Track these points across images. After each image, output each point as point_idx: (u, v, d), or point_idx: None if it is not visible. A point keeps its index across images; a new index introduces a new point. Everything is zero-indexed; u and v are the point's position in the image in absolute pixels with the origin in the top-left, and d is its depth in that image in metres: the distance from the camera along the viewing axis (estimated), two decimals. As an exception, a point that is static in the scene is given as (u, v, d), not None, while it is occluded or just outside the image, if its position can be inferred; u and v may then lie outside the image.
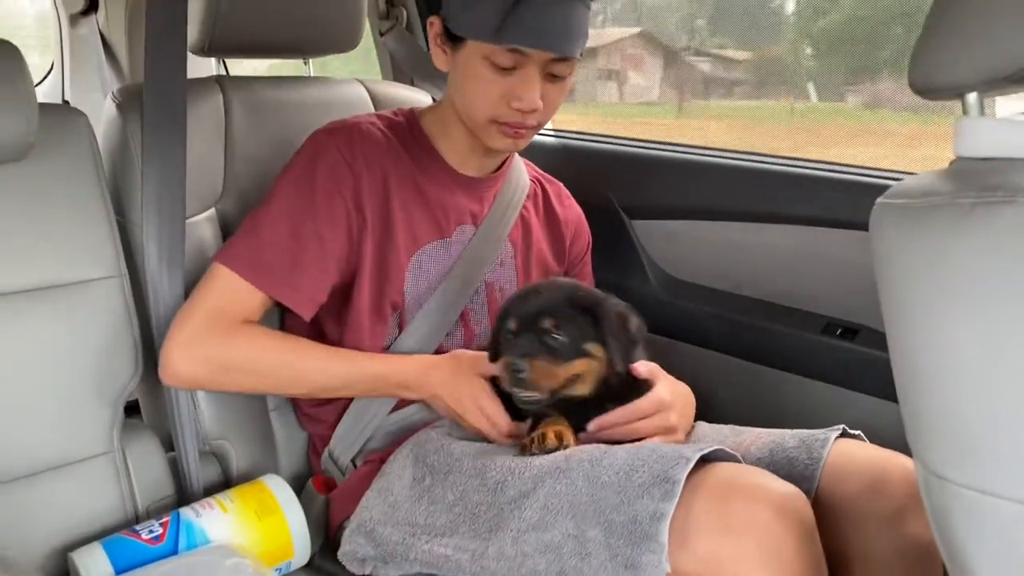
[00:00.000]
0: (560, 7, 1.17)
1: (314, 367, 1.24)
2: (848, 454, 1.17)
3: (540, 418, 1.17)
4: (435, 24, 1.26)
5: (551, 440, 1.12)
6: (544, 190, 1.48)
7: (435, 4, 1.33)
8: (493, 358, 1.20)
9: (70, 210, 1.22)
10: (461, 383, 1.22)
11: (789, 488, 1.00)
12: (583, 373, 1.14)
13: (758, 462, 1.18)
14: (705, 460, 1.01)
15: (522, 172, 1.44)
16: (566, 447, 1.12)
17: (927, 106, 1.68)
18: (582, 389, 1.15)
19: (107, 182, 1.28)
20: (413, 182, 1.30)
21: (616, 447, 1.07)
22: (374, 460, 1.30)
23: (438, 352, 1.32)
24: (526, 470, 1.08)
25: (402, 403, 1.33)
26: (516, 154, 1.43)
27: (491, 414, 1.21)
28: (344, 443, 1.33)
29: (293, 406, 1.43)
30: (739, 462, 1.06)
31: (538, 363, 1.10)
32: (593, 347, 1.13)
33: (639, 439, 1.16)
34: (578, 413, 1.17)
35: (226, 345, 1.20)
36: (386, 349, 1.31)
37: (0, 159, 1.16)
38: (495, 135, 1.26)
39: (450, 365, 1.25)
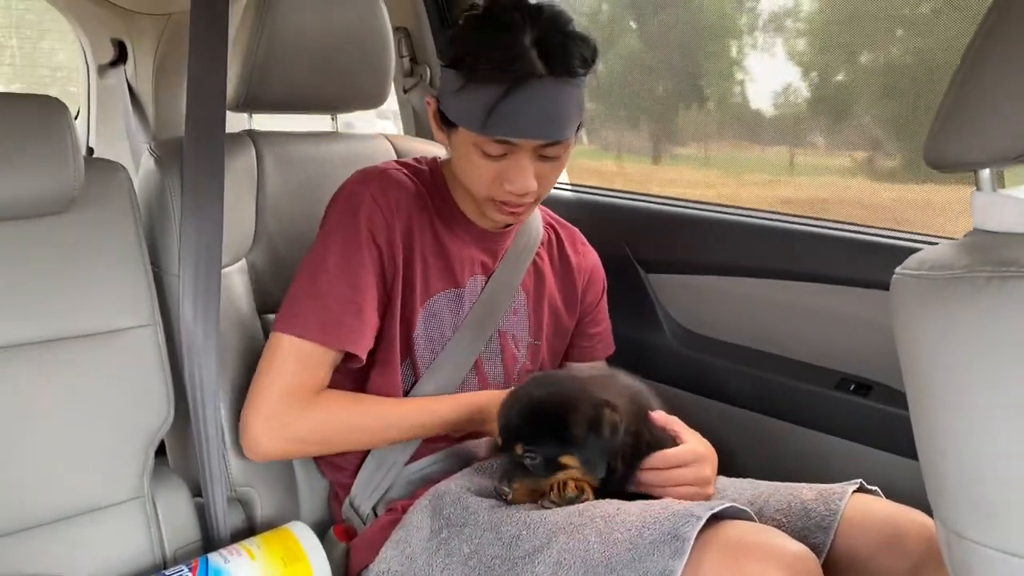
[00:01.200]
0: (547, 95, 1.16)
1: (394, 424, 1.28)
2: (865, 509, 1.18)
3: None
4: (432, 104, 1.28)
5: (572, 490, 1.13)
6: (559, 236, 1.49)
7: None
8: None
9: (109, 260, 1.26)
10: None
11: (801, 548, 1.00)
12: (569, 481, 1.14)
13: (776, 513, 1.20)
14: (718, 517, 1.02)
15: (536, 220, 1.45)
16: (584, 500, 1.13)
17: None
18: (592, 480, 1.15)
19: (144, 233, 1.32)
20: (433, 230, 1.32)
21: (630, 504, 1.08)
22: (395, 509, 1.31)
23: None
24: (540, 525, 1.09)
25: (422, 453, 1.35)
26: None
27: None
28: (365, 492, 1.35)
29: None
30: (752, 519, 1.06)
31: (517, 485, 1.15)
32: (568, 459, 1.14)
33: (675, 486, 1.17)
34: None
35: (309, 420, 1.24)
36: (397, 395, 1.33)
37: (44, 211, 1.20)
38: (494, 212, 1.28)
39: (495, 393, 1.29)
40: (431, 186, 1.35)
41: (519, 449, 1.14)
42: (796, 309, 1.51)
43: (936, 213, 1.59)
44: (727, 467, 1.32)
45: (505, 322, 1.39)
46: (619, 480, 1.17)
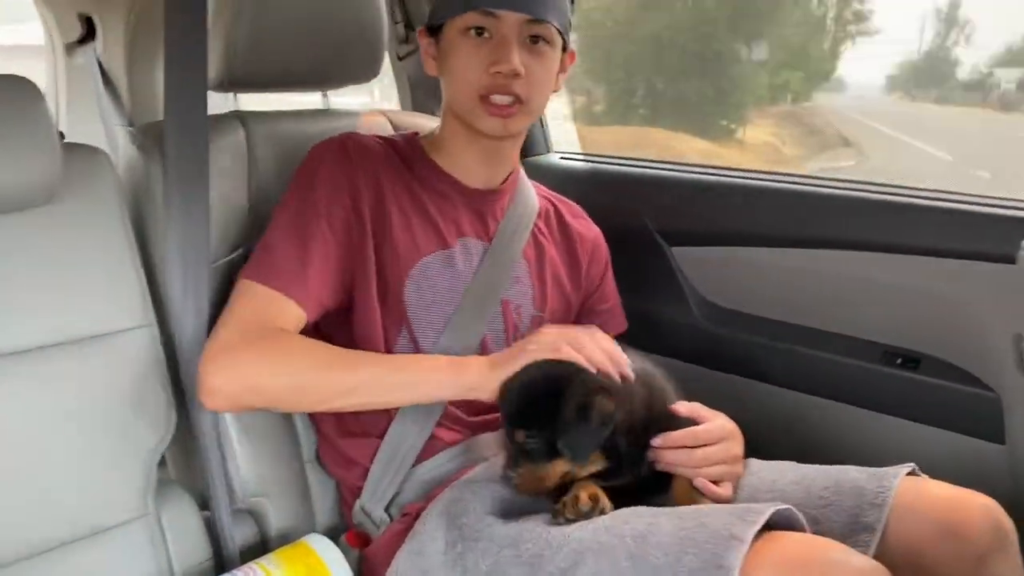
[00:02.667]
0: None
1: (363, 364, 1.19)
2: (921, 491, 1.11)
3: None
4: (422, 33, 1.32)
5: (584, 502, 1.05)
6: (556, 209, 1.45)
7: None
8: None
9: (96, 255, 1.16)
10: (548, 333, 1.16)
11: (868, 563, 0.92)
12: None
13: (824, 491, 1.13)
14: (766, 527, 0.93)
15: (530, 192, 1.41)
16: (602, 511, 1.05)
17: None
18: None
19: (131, 225, 1.22)
20: (410, 191, 1.29)
21: (660, 518, 1.00)
22: (409, 514, 1.24)
23: None
24: (564, 543, 1.01)
25: (432, 450, 1.28)
26: (523, 173, 1.41)
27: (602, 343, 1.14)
28: (375, 493, 1.27)
29: (318, 449, 1.37)
30: (804, 528, 0.98)
31: (522, 471, 1.08)
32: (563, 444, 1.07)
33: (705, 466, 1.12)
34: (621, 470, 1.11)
35: (263, 349, 1.15)
36: None
37: (22, 204, 1.09)
38: (483, 115, 1.25)
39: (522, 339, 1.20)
40: (406, 153, 1.33)
41: (520, 435, 1.08)
42: (834, 279, 1.43)
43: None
44: (764, 450, 1.26)
45: (508, 291, 1.34)
46: (627, 471, 1.11)
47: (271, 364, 1.15)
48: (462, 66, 1.25)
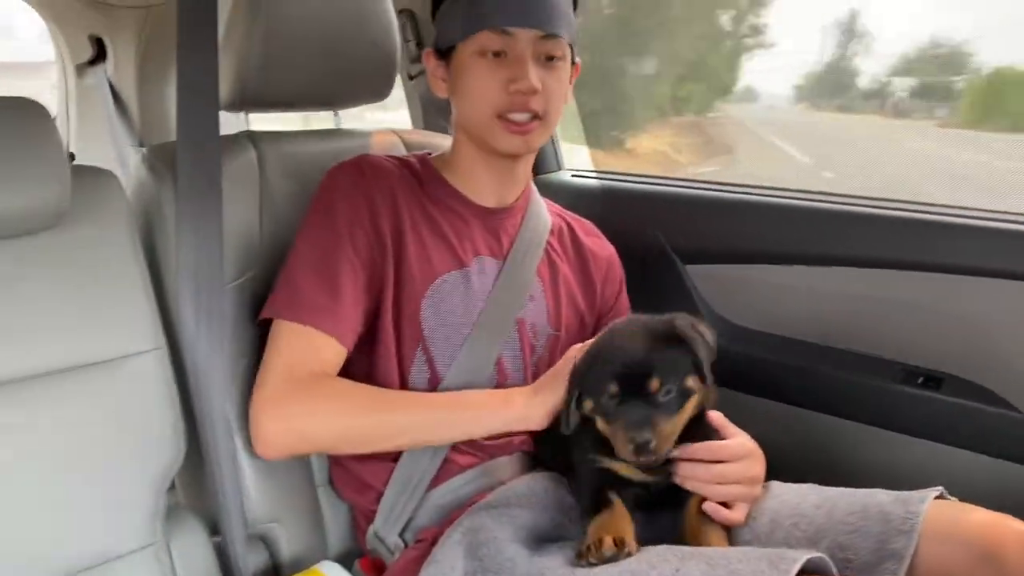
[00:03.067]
0: None
1: (413, 406, 1.20)
2: (952, 516, 1.07)
3: (598, 505, 1.08)
4: (429, 55, 1.31)
5: (608, 547, 1.01)
6: (570, 227, 1.44)
7: None
8: (568, 424, 1.11)
9: (106, 279, 1.15)
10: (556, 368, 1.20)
11: None
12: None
13: (849, 516, 1.10)
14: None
15: (542, 209, 1.40)
16: (628, 554, 1.01)
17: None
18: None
19: (142, 247, 1.21)
20: (424, 211, 1.29)
21: (689, 562, 0.97)
22: (424, 540, 1.22)
23: None
24: None
25: (448, 473, 1.25)
26: (535, 190, 1.40)
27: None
28: (389, 518, 1.25)
29: (330, 474, 1.35)
30: (831, 573, 0.94)
31: (660, 428, 1.02)
32: (691, 380, 1.05)
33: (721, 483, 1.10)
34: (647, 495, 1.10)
35: (313, 396, 1.17)
36: (416, 389, 1.25)
37: (32, 228, 1.08)
38: (501, 134, 1.25)
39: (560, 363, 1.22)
40: (420, 173, 1.33)
41: (655, 384, 1.03)
42: (852, 297, 1.41)
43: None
44: (784, 471, 1.23)
45: (522, 310, 1.32)
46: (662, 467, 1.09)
47: (322, 414, 1.17)
48: (479, 86, 1.24)
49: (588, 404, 1.09)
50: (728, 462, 1.10)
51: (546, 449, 1.27)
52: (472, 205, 1.32)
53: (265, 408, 1.16)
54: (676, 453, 1.09)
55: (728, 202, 1.59)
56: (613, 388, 1.05)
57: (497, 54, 1.22)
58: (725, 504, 1.12)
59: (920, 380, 1.34)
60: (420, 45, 1.79)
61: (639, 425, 1.01)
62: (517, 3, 1.20)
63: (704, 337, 1.08)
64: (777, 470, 1.22)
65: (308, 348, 1.18)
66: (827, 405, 1.43)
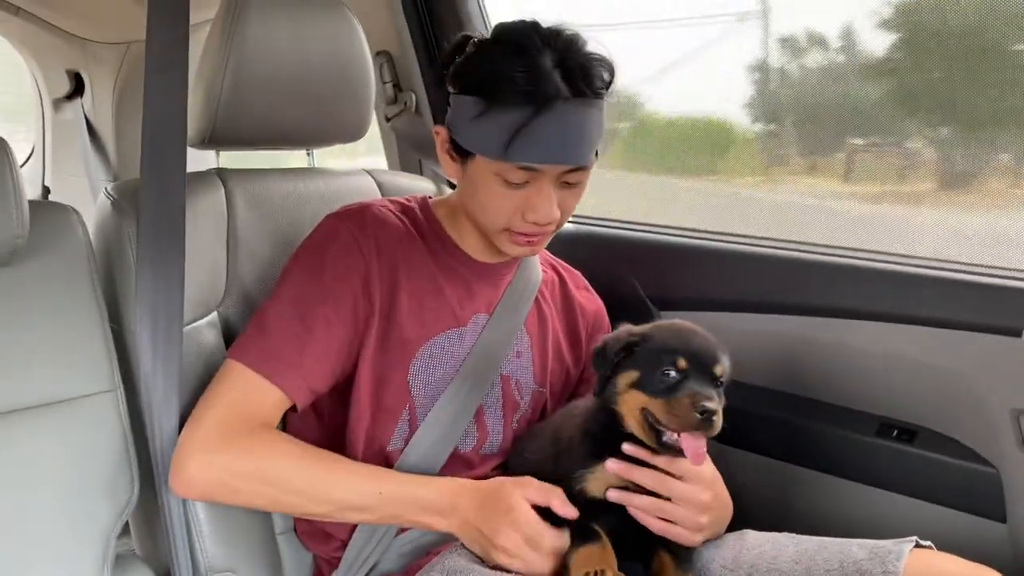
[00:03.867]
0: (571, 118, 1.12)
1: (343, 485, 1.12)
2: (929, 568, 1.05)
3: (580, 537, 1.06)
4: (441, 134, 1.21)
5: None
6: (561, 277, 1.41)
7: (435, 96, 1.29)
8: (599, 392, 1.11)
9: (61, 317, 1.12)
10: (497, 505, 1.09)
11: None
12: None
13: (827, 573, 1.07)
14: None
15: (535, 260, 1.37)
16: None
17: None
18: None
19: (101, 286, 1.18)
20: (426, 269, 1.24)
21: None
22: None
23: (452, 456, 1.22)
24: None
25: None
26: None
27: (533, 535, 1.07)
28: (354, 566, 1.21)
29: (295, 523, 1.32)
30: None
31: (720, 408, 1.02)
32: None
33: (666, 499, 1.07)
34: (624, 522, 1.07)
35: (245, 451, 1.10)
36: (395, 447, 1.21)
37: None
38: (508, 243, 1.21)
39: (487, 489, 1.12)
40: (423, 225, 1.27)
41: (720, 369, 1.05)
42: (828, 347, 1.39)
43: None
44: (758, 520, 1.20)
45: (508, 366, 1.29)
46: None
47: (252, 472, 1.11)
48: (493, 206, 1.17)
49: (630, 377, 1.07)
50: (672, 475, 1.08)
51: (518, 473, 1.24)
52: (472, 263, 1.28)
53: (193, 449, 1.09)
54: (610, 464, 1.07)
55: (703, 250, 1.57)
56: (682, 363, 1.04)
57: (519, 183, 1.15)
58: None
59: (895, 433, 1.32)
60: (398, 87, 1.79)
61: (708, 396, 1.02)
62: (550, 141, 1.11)
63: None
64: (751, 519, 1.20)
65: (256, 399, 1.12)
66: (800, 456, 1.41)
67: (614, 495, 1.08)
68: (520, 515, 1.07)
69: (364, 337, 1.19)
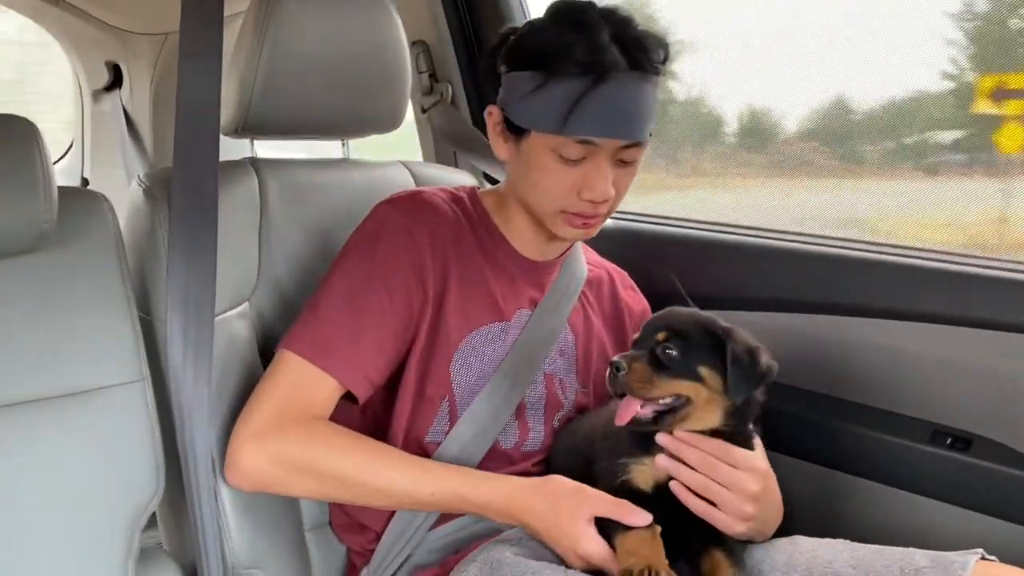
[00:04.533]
0: (629, 91, 1.11)
1: (400, 477, 1.12)
2: None
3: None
4: (494, 114, 1.21)
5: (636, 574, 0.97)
6: (610, 277, 1.39)
7: (485, 83, 1.26)
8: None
9: (89, 307, 1.10)
10: (559, 518, 1.07)
11: None
12: (691, 398, 1.05)
13: None
14: None
15: (580, 258, 1.34)
16: None
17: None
18: (695, 423, 1.07)
19: (131, 275, 1.16)
20: (474, 260, 1.23)
21: None
22: None
23: (492, 449, 1.20)
24: None
25: (448, 515, 1.19)
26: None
27: (593, 557, 1.05)
28: (387, 559, 1.19)
29: (330, 516, 1.30)
30: None
31: (637, 366, 1.05)
32: (706, 372, 1.05)
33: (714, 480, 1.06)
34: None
35: (301, 442, 1.11)
36: (433, 439, 1.20)
37: (12, 250, 1.04)
38: (563, 225, 1.19)
39: (546, 493, 1.10)
40: (472, 215, 1.26)
41: (661, 336, 1.06)
42: (879, 350, 1.33)
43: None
44: (805, 529, 1.17)
45: (551, 364, 1.27)
46: None
47: (309, 464, 1.11)
48: (548, 184, 1.16)
49: None
50: (720, 460, 1.06)
51: (562, 465, 1.22)
52: (519, 257, 1.26)
53: (249, 439, 1.10)
54: (662, 440, 1.08)
55: (744, 246, 1.52)
56: (636, 335, 1.10)
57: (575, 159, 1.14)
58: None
59: (948, 441, 1.26)
60: (433, 77, 1.76)
61: (624, 356, 1.06)
62: (608, 114, 1.11)
63: (754, 358, 1.07)
64: (797, 526, 1.16)
65: (311, 389, 1.13)
66: (849, 464, 1.35)
67: (663, 462, 1.07)
68: (587, 544, 1.05)
69: (418, 326, 1.18)
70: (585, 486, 1.09)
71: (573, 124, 1.10)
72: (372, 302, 1.14)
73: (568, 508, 1.07)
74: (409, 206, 1.21)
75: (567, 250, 1.31)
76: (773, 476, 1.14)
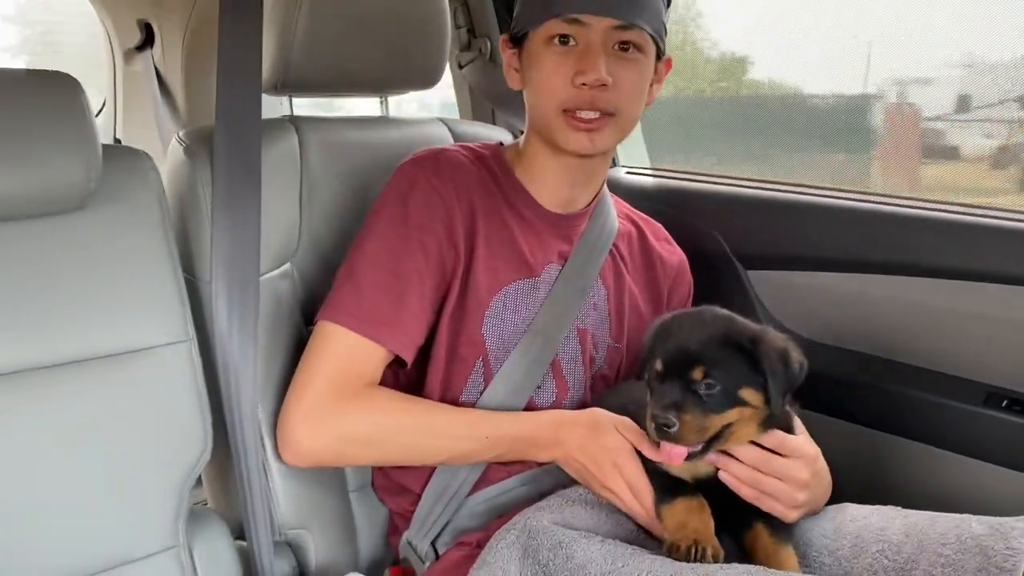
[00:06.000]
0: None
1: (453, 432, 1.14)
2: None
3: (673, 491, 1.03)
4: (504, 43, 1.25)
5: (683, 550, 0.97)
6: (639, 229, 1.36)
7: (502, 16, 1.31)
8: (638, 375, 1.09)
9: (134, 266, 1.09)
10: (601, 444, 1.09)
11: None
12: (737, 422, 1.00)
13: (943, 547, 1.01)
14: None
15: (610, 209, 1.32)
16: (715, 559, 0.96)
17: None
18: (742, 438, 1.02)
19: (174, 235, 1.15)
20: (500, 216, 1.21)
21: None
22: (468, 543, 1.16)
23: (529, 407, 1.19)
24: None
25: (490, 478, 1.19)
26: (606, 190, 1.32)
27: (635, 484, 1.06)
28: (426, 523, 1.19)
29: (372, 477, 1.30)
30: None
31: (687, 417, 0.97)
32: (749, 393, 0.99)
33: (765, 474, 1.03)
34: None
35: (356, 415, 1.11)
36: (468, 399, 1.19)
37: (57, 208, 1.03)
38: (566, 131, 1.17)
39: (588, 423, 1.12)
40: (495, 171, 1.24)
41: (698, 374, 0.98)
42: (931, 310, 1.30)
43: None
44: (853, 494, 1.14)
45: (584, 319, 1.25)
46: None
47: (365, 436, 1.12)
48: (545, 78, 1.16)
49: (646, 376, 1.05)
50: (775, 453, 1.03)
51: None
52: (544, 211, 1.25)
53: (305, 418, 1.10)
54: (722, 462, 1.03)
55: (792, 204, 1.49)
56: (658, 366, 1.01)
57: (565, 41, 1.14)
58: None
59: (1004, 403, 1.23)
60: (472, 32, 1.73)
61: (666, 407, 0.98)
62: None
63: (788, 363, 1.01)
64: (849, 493, 1.14)
65: (362, 360, 1.13)
66: (899, 427, 1.33)
67: (712, 456, 1.03)
68: (623, 458, 1.07)
69: (451, 285, 1.18)
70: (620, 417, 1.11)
71: (555, 3, 1.12)
72: (410, 267, 1.13)
73: (608, 424, 1.10)
74: (433, 164, 1.19)
75: (594, 201, 1.29)
76: (821, 456, 1.11)
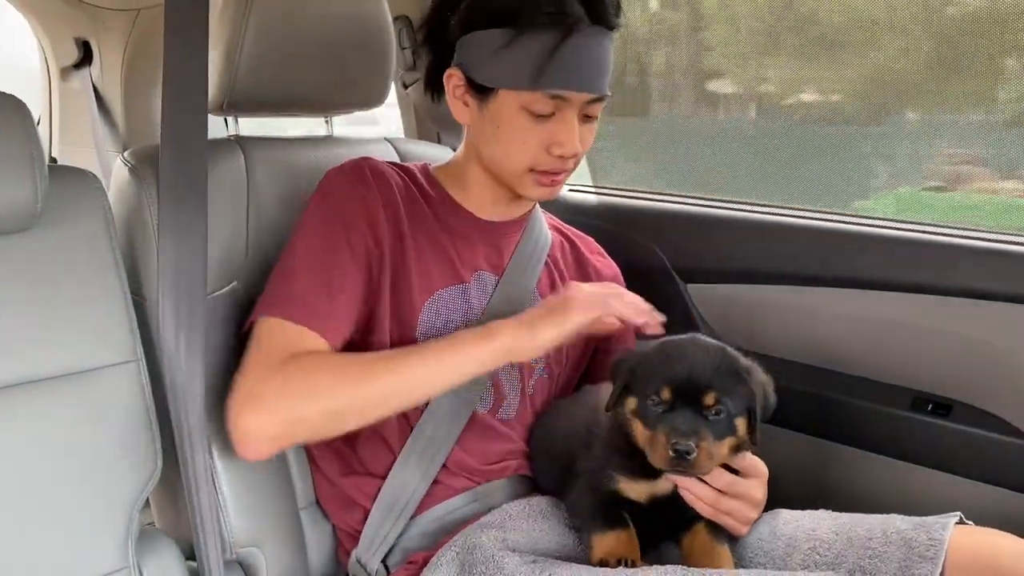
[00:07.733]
0: (594, 45, 1.13)
1: (391, 370, 1.09)
2: (977, 543, 1.03)
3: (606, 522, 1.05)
4: (454, 76, 1.20)
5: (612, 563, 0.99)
6: (572, 243, 1.39)
7: (433, 47, 1.26)
8: (608, 407, 1.07)
9: (81, 287, 1.09)
10: (559, 297, 1.12)
11: None
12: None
13: (869, 542, 1.06)
14: None
15: (542, 224, 1.35)
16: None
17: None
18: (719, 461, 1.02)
19: (121, 255, 1.15)
20: (426, 224, 1.23)
21: None
22: (415, 562, 1.16)
23: (474, 418, 1.21)
24: None
25: (438, 497, 1.20)
26: (537, 205, 1.35)
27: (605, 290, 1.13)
28: (375, 540, 1.19)
29: (316, 494, 1.30)
30: None
31: (704, 444, 0.96)
32: (740, 422, 1.00)
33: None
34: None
35: (291, 375, 1.07)
36: (414, 410, 1.19)
37: (3, 229, 1.02)
38: (531, 185, 1.20)
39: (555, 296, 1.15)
40: (423, 185, 1.27)
41: (710, 399, 0.97)
42: (861, 320, 1.36)
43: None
44: (791, 499, 1.19)
45: None
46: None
47: (304, 393, 1.07)
48: (518, 142, 1.17)
49: (631, 403, 1.03)
50: (740, 475, 1.06)
51: (543, 462, 1.22)
52: (475, 220, 1.27)
53: (245, 404, 1.07)
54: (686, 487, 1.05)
55: (730, 220, 1.54)
56: (665, 393, 0.99)
57: (543, 112, 1.15)
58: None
59: (929, 407, 1.30)
60: (416, 53, 1.75)
61: (686, 433, 0.96)
62: (579, 67, 1.12)
63: (768, 400, 1.04)
64: (784, 498, 1.17)
65: (291, 341, 1.10)
66: (832, 432, 1.38)
67: (674, 478, 1.05)
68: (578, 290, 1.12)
69: (380, 284, 1.18)
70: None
71: (547, 78, 1.11)
72: (338, 262, 1.15)
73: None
74: (357, 170, 1.21)
75: (527, 213, 1.31)
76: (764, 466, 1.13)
